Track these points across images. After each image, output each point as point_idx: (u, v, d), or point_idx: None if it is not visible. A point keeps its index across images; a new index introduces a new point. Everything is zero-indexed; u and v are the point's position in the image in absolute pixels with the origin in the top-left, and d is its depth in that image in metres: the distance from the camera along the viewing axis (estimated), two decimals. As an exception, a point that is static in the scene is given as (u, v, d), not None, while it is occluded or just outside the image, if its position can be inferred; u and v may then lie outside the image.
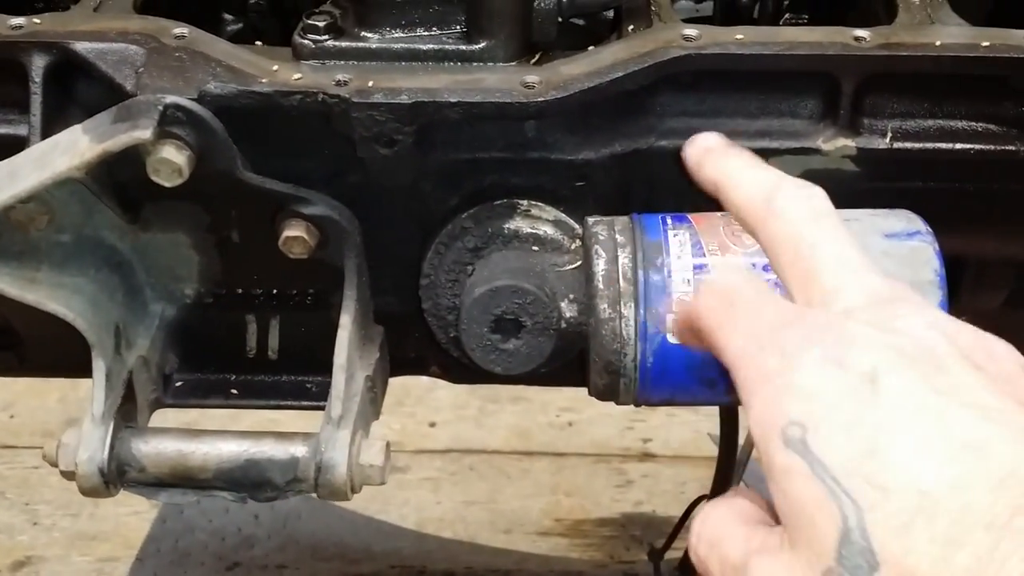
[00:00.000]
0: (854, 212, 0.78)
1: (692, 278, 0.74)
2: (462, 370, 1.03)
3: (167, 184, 0.75)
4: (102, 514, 1.93)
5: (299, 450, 0.81)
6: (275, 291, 0.90)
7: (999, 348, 0.51)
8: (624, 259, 0.75)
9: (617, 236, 0.77)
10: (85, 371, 1.17)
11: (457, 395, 2.10)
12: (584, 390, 0.81)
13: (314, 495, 0.81)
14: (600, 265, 0.75)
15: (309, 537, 1.86)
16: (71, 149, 0.74)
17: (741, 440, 1.15)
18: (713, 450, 2.00)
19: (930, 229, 0.76)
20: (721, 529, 0.52)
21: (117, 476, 0.81)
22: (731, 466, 1.14)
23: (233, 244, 0.86)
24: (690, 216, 0.78)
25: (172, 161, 0.73)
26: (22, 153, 0.78)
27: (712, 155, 0.62)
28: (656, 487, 2.03)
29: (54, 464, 0.82)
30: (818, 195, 0.57)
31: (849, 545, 0.44)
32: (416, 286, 0.89)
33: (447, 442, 2.07)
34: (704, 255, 0.75)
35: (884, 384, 0.47)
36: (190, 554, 1.82)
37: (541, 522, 1.98)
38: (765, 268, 0.74)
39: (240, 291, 0.89)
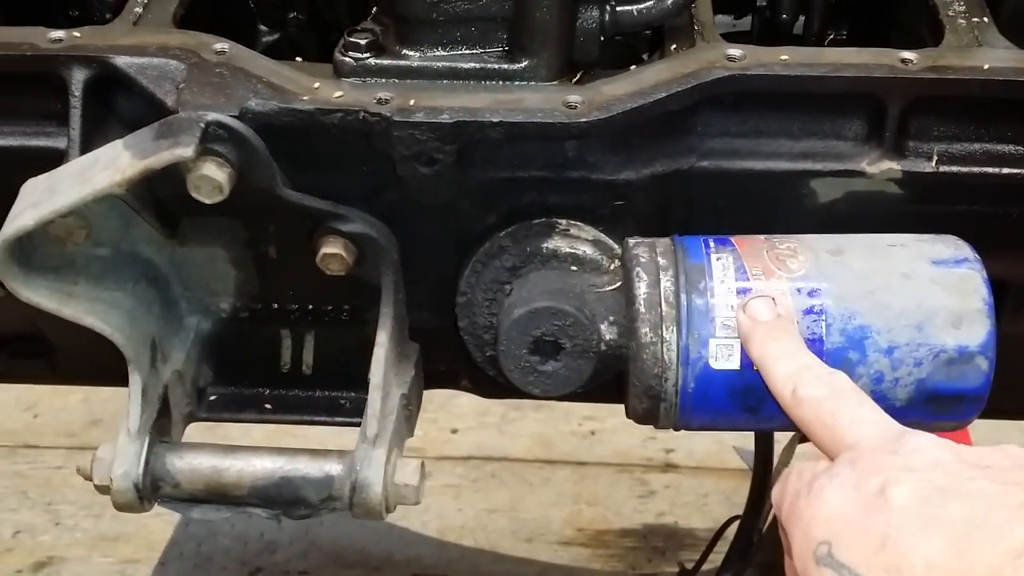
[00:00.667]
0: (901, 237, 0.77)
1: (736, 303, 0.73)
2: (493, 385, 1.02)
3: (207, 201, 0.74)
4: (125, 516, 1.93)
5: (334, 468, 0.81)
6: (311, 306, 0.89)
7: (1012, 449, 0.56)
8: (666, 282, 0.74)
9: (659, 259, 0.76)
10: (115, 380, 1.17)
11: (480, 402, 2.08)
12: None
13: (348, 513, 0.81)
14: (642, 288, 0.75)
15: (331, 544, 1.86)
16: (112, 165, 0.73)
17: (775, 461, 1.14)
18: (737, 462, 2.00)
19: (978, 256, 0.75)
20: None
21: (151, 491, 0.81)
22: (765, 488, 1.12)
23: (270, 259, 0.85)
24: (733, 239, 0.77)
25: (213, 178, 0.73)
26: (62, 168, 0.78)
27: (758, 333, 0.71)
28: (679, 498, 2.01)
29: (88, 478, 0.82)
30: (837, 374, 0.66)
31: None
32: (450, 302, 0.88)
33: (469, 449, 2.06)
34: (748, 279, 0.73)
35: (892, 493, 0.53)
36: (212, 559, 1.82)
37: (563, 531, 1.97)
38: (810, 293, 0.73)
39: (276, 306, 0.89)
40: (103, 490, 0.81)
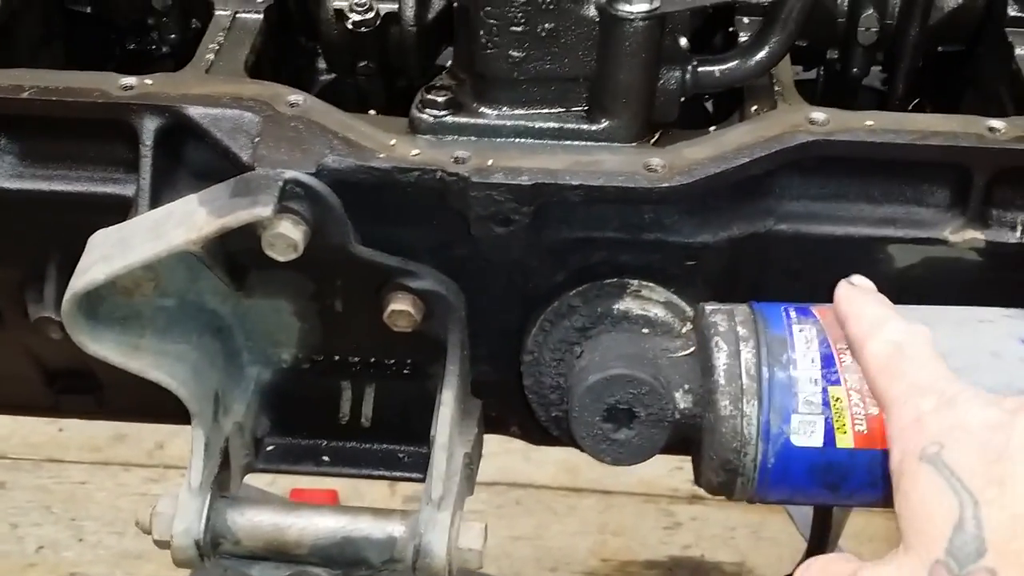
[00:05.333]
0: (988, 312, 0.75)
1: (819, 377, 0.71)
2: (543, 433, 1.00)
3: (281, 259, 0.73)
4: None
5: (397, 529, 0.79)
6: (372, 359, 0.88)
7: None
8: (747, 354, 0.73)
9: (739, 328, 0.74)
10: (162, 417, 1.15)
11: (505, 426, 2.09)
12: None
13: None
14: (721, 359, 0.73)
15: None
16: (187, 221, 0.72)
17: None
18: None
19: None
20: (827, 565, 0.57)
21: (212, 548, 0.79)
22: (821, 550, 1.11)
23: (335, 313, 0.84)
24: (814, 309, 0.75)
25: (289, 236, 0.72)
26: (133, 221, 0.76)
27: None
28: (705, 531, 2.00)
29: (147, 532, 0.81)
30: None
31: (962, 534, 0.49)
32: (510, 356, 0.87)
33: (494, 475, 2.04)
34: (832, 352, 0.72)
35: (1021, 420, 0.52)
36: (239, 583, 1.81)
37: (588, 561, 1.95)
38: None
39: (337, 358, 0.88)
40: (162, 545, 0.80)
